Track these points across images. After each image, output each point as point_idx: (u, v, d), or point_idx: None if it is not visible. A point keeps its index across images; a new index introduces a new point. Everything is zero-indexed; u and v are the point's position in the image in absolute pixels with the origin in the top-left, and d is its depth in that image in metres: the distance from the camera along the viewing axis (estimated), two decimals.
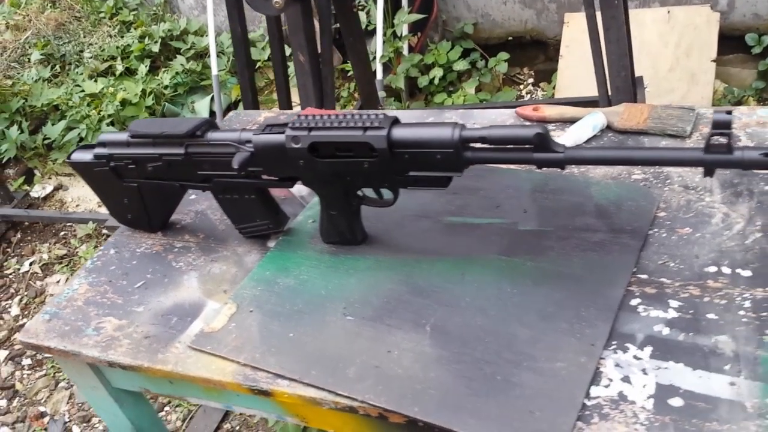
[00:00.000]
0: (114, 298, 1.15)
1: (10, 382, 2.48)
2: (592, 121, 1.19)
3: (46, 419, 2.37)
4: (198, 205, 1.32)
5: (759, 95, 2.71)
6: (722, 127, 0.78)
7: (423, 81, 3.03)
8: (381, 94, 2.80)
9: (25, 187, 3.32)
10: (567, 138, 1.19)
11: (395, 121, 0.95)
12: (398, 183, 1.01)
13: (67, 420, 2.34)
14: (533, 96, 3.13)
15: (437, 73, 2.98)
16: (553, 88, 2.91)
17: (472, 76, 3.12)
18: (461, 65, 3.02)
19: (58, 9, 3.85)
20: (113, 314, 1.12)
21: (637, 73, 2.29)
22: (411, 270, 1.05)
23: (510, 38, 3.14)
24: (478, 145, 0.92)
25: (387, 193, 1.06)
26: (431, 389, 0.87)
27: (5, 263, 3.00)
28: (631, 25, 2.04)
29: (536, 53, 3.16)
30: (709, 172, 0.82)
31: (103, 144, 1.16)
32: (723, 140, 0.79)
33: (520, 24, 3.07)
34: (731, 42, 2.70)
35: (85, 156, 1.19)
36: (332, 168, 1.01)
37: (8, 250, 3.09)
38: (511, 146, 0.90)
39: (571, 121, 1.24)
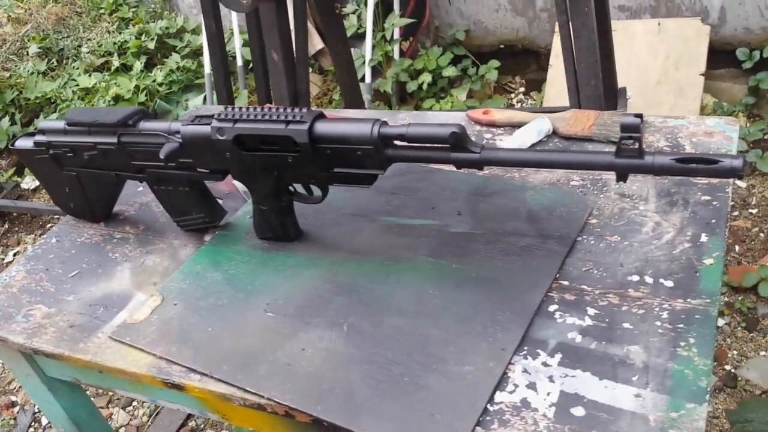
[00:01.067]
0: (47, 287, 1.15)
1: None
2: (537, 126, 1.17)
3: (16, 409, 2.37)
4: (144, 196, 1.32)
5: (749, 111, 2.67)
6: (630, 130, 0.76)
7: (412, 86, 3.01)
8: (366, 97, 2.79)
9: (16, 178, 3.34)
10: (511, 142, 1.17)
11: (318, 116, 0.94)
12: (324, 179, 0.99)
13: (37, 411, 2.34)
14: (523, 105, 3.11)
15: (426, 78, 2.96)
16: (543, 97, 2.89)
17: (464, 83, 3.10)
18: (450, 71, 3.00)
19: (59, 3, 3.89)
20: (44, 302, 1.12)
21: (625, 85, 2.25)
22: (338, 269, 1.04)
23: (502, 46, 3.12)
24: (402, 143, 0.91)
25: (317, 190, 1.04)
26: (337, 389, 0.86)
27: None
28: (621, 37, 2.01)
29: (528, 62, 3.13)
30: (621, 177, 0.80)
31: (42, 131, 1.16)
32: (634, 144, 0.77)
33: (512, 32, 3.05)
34: (722, 56, 2.66)
35: (27, 143, 1.19)
36: (258, 161, 1.00)
37: None
38: (430, 145, 0.89)
39: (519, 125, 1.22)
